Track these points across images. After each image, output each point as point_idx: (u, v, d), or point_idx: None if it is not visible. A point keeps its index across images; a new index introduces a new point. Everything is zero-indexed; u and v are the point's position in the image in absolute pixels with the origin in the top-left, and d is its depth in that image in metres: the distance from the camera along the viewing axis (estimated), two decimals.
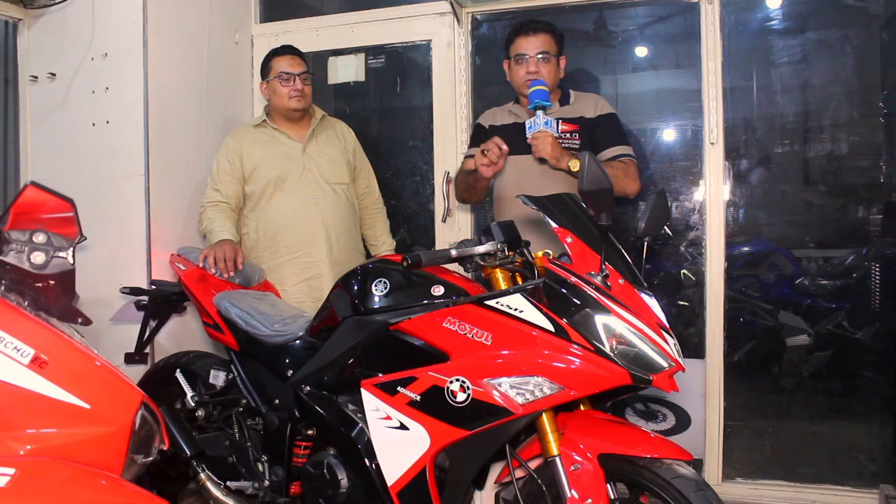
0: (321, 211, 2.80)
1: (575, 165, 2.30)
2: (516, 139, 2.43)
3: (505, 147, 2.32)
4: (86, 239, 1.54)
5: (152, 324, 2.59)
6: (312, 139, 2.87)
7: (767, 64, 3.06)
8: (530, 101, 2.37)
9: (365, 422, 1.87)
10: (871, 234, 2.97)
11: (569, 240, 1.76)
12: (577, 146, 2.49)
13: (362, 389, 1.85)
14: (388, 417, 1.79)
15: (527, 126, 2.38)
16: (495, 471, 1.89)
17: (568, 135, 2.52)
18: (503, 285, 1.78)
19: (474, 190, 2.57)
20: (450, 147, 3.17)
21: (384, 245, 3.05)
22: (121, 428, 1.32)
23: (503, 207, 2.59)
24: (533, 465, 1.76)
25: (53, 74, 2.88)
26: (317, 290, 2.73)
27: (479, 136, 2.69)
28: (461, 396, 1.69)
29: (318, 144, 2.88)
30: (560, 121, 2.50)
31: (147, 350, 2.62)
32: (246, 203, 2.84)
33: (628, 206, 3.00)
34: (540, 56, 2.48)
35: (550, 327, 1.66)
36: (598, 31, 3.22)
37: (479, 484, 1.90)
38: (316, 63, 3.39)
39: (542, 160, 2.37)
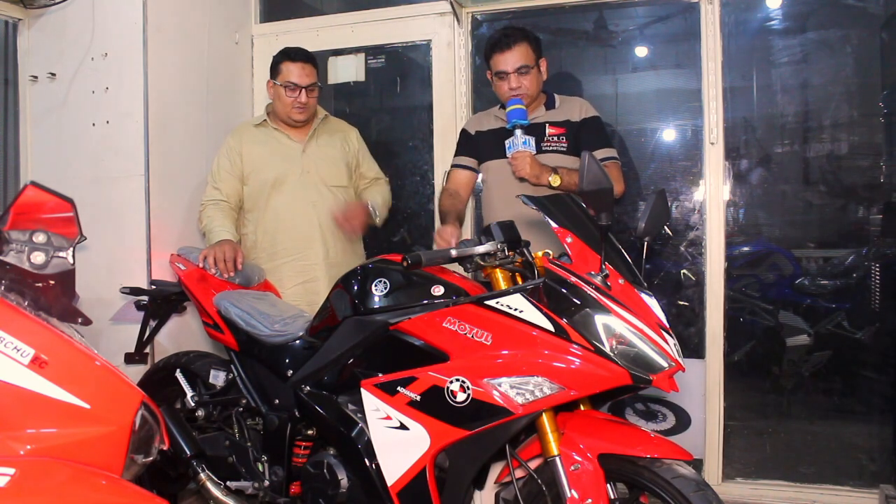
0: (318, 214, 2.79)
1: (556, 181, 2.35)
2: (504, 143, 2.44)
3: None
4: (86, 239, 1.55)
5: (152, 324, 2.59)
6: (313, 140, 2.86)
7: (767, 64, 3.06)
8: (508, 121, 2.40)
9: (365, 422, 1.87)
10: (871, 234, 2.97)
11: (569, 240, 1.76)
12: (564, 149, 2.53)
13: (362, 389, 1.85)
14: (388, 417, 1.79)
15: (506, 146, 2.42)
16: (495, 471, 1.89)
17: (556, 138, 2.54)
18: (503, 285, 1.79)
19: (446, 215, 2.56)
20: (450, 147, 3.15)
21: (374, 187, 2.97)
22: (121, 428, 1.32)
23: (492, 210, 2.60)
24: (533, 465, 1.76)
25: (53, 74, 2.88)
26: (313, 293, 2.73)
27: (465, 142, 2.71)
28: (461, 396, 1.69)
29: (318, 146, 2.86)
30: (548, 124, 2.53)
31: (147, 350, 2.62)
32: (245, 203, 2.84)
33: (628, 205, 3.00)
34: (519, 71, 2.49)
35: (550, 327, 1.66)
36: (598, 31, 3.22)
37: (479, 484, 1.90)
38: None
39: (522, 179, 2.41)
